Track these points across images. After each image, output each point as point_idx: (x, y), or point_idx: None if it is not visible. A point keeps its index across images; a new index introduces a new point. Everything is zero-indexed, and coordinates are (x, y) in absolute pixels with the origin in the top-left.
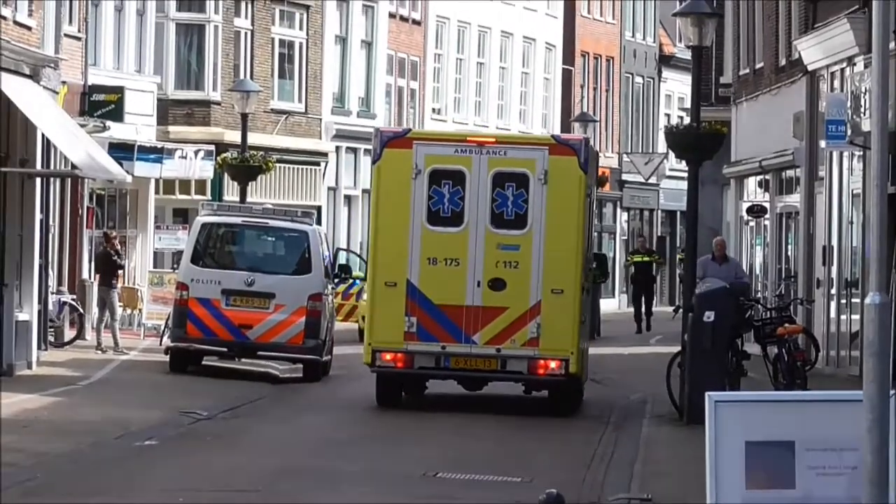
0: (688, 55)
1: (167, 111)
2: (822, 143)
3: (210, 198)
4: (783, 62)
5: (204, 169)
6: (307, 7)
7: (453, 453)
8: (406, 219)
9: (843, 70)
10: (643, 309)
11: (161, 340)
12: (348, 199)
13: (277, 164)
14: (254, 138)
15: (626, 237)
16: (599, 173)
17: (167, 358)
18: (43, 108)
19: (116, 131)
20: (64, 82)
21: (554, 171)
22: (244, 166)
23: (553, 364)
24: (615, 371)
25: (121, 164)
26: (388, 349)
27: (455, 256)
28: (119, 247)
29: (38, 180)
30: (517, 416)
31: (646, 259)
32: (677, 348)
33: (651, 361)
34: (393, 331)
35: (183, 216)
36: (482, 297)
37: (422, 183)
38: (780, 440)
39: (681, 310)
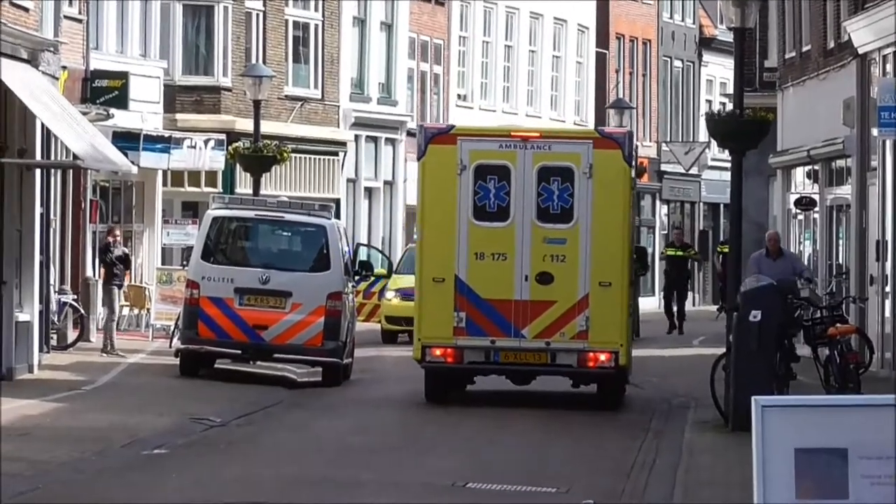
0: (730, 37)
1: (174, 98)
2: (875, 131)
3: (221, 190)
4: (832, 45)
5: (214, 159)
6: None
7: (483, 461)
8: (452, 214)
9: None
10: (675, 308)
11: (170, 342)
12: (368, 191)
13: (292, 155)
14: (267, 127)
15: (665, 231)
16: (637, 164)
17: (177, 361)
18: (42, 95)
19: (121, 119)
20: (64, 67)
21: (599, 165)
22: (257, 157)
23: (603, 356)
24: (656, 374)
25: (126, 155)
26: (438, 344)
27: (502, 251)
28: (111, 241)
29: (38, 172)
30: (552, 420)
31: (680, 253)
32: (722, 350)
33: (694, 364)
34: (442, 326)
35: (192, 210)
36: (530, 291)
37: (467, 178)
38: (831, 447)
39: (725, 309)
